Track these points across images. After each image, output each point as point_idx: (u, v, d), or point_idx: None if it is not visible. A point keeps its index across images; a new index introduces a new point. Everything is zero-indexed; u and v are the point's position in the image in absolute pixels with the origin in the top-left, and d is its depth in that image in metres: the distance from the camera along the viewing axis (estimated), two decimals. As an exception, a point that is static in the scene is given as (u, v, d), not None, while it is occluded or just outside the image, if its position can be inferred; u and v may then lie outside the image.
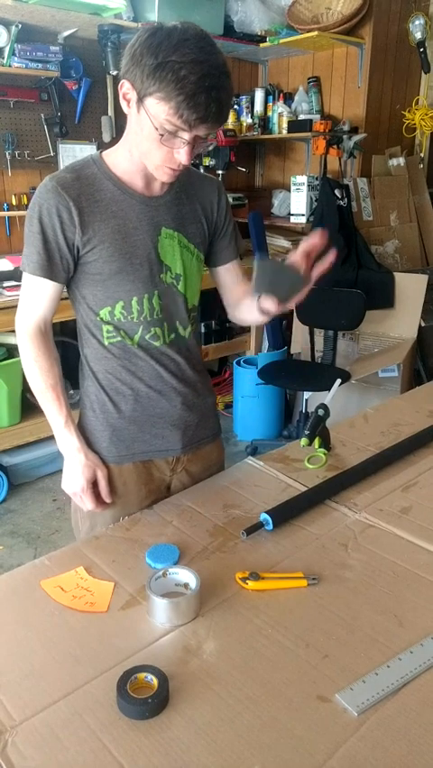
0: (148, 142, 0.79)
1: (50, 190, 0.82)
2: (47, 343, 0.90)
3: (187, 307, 0.94)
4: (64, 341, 2.38)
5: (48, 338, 0.90)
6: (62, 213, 0.82)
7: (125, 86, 0.77)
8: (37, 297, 0.88)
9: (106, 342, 0.91)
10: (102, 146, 2.50)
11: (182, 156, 0.78)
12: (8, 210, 2.33)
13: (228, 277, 1.01)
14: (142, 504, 0.96)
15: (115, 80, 2.43)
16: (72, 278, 0.89)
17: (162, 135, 0.77)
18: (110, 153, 0.88)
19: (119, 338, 0.90)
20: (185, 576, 0.72)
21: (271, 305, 0.81)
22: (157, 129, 0.76)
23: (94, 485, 0.92)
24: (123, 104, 0.80)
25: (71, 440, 0.90)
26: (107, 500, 0.92)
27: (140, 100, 0.76)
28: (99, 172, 0.86)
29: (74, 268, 0.87)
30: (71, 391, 2.33)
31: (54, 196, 0.82)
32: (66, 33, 2.23)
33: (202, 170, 2.48)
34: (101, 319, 0.89)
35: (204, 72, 0.71)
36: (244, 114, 2.86)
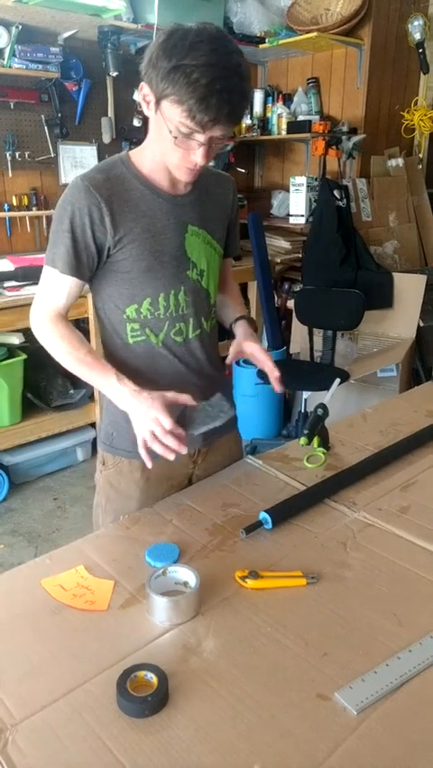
0: (166, 143, 0.80)
1: (81, 190, 0.83)
2: (68, 323, 0.88)
3: (209, 302, 0.97)
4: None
5: (67, 321, 0.89)
6: (93, 213, 0.83)
7: (144, 89, 0.79)
8: (58, 292, 0.87)
9: (131, 341, 0.92)
10: (102, 147, 2.51)
11: (198, 157, 0.80)
12: (9, 211, 2.33)
13: (224, 269, 1.04)
14: (164, 496, 0.97)
15: (115, 81, 2.44)
16: (97, 277, 0.90)
17: (176, 137, 0.78)
18: (136, 153, 0.89)
19: (144, 337, 0.91)
20: (184, 575, 0.72)
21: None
22: (171, 131, 0.78)
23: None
24: (143, 105, 0.81)
25: (130, 388, 0.83)
26: (190, 401, 0.84)
27: (157, 102, 0.78)
28: (127, 172, 0.87)
29: (99, 266, 0.88)
30: (72, 391, 2.34)
31: (86, 195, 0.83)
32: (66, 34, 2.23)
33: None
34: (127, 317, 0.90)
35: (215, 75, 0.72)
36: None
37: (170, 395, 0.84)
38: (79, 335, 0.89)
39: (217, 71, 0.72)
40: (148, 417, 0.81)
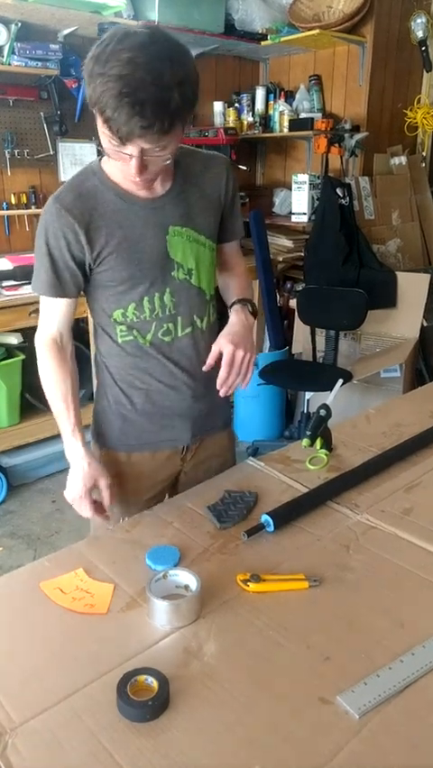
0: (108, 150, 0.78)
1: (54, 214, 0.84)
2: (62, 355, 0.91)
3: (205, 299, 0.95)
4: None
5: (63, 350, 0.92)
6: (68, 235, 0.84)
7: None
8: (52, 315, 0.90)
9: (120, 341, 0.92)
10: (102, 146, 2.50)
11: (131, 170, 0.77)
12: (7, 209, 2.32)
13: (228, 251, 1.01)
14: (150, 493, 0.98)
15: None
16: (86, 285, 0.91)
17: (108, 149, 0.76)
18: (107, 160, 0.87)
19: (132, 337, 0.92)
20: (185, 578, 0.72)
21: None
22: (103, 144, 0.76)
23: (97, 503, 0.92)
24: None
25: (77, 447, 0.91)
26: (106, 509, 0.92)
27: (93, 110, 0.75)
28: (100, 183, 0.86)
29: (86, 281, 0.89)
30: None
31: (58, 219, 0.83)
32: (66, 32, 2.22)
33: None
34: (114, 320, 0.91)
35: (126, 86, 0.68)
36: (245, 112, 2.85)
37: (105, 493, 0.90)
38: (66, 370, 0.91)
39: (128, 81, 0.68)
40: (75, 485, 0.89)
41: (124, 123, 0.71)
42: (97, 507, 0.91)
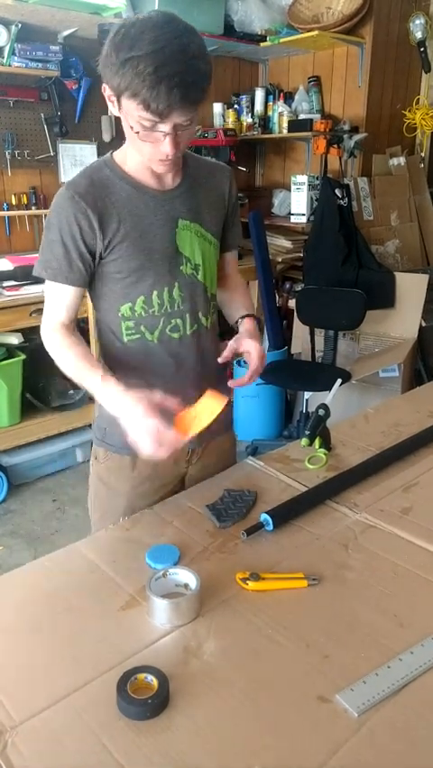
0: (134, 139, 0.80)
1: (67, 199, 0.84)
2: (71, 333, 0.90)
3: (207, 296, 0.95)
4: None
5: (72, 330, 0.91)
6: (81, 221, 0.84)
7: (107, 90, 0.79)
8: (59, 302, 0.89)
9: (126, 340, 0.92)
10: (102, 146, 2.51)
11: (166, 147, 0.79)
12: (8, 210, 2.33)
13: (227, 262, 1.03)
14: (155, 496, 0.97)
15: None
16: (92, 278, 0.90)
17: (138, 132, 0.78)
18: (119, 153, 0.89)
19: (138, 335, 0.91)
20: (185, 576, 0.72)
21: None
22: (132, 127, 0.77)
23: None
24: (109, 105, 0.81)
25: (114, 390, 0.81)
26: (176, 404, 0.82)
27: (118, 100, 0.77)
28: (112, 174, 0.87)
29: (94, 270, 0.89)
30: (71, 391, 2.34)
31: (72, 204, 0.83)
32: (66, 33, 2.23)
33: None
34: (122, 315, 0.91)
35: (160, 62, 0.71)
36: (245, 113, 2.86)
37: (158, 397, 0.81)
38: (77, 341, 0.89)
39: (161, 57, 0.71)
40: (135, 418, 0.79)
41: (163, 98, 0.73)
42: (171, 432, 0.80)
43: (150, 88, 0.72)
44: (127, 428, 0.80)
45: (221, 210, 0.96)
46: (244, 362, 0.95)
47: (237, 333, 0.99)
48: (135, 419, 0.78)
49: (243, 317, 1.00)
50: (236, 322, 1.01)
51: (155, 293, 0.89)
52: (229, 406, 1.07)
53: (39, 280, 0.91)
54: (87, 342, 1.91)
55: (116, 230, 0.85)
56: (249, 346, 0.93)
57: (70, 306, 0.89)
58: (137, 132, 0.78)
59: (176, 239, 0.89)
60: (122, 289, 0.89)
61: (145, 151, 0.81)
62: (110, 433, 0.97)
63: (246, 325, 0.98)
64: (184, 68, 0.73)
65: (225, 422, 1.06)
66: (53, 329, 0.89)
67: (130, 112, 0.76)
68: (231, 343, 0.94)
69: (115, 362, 0.94)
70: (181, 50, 0.73)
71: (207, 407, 0.80)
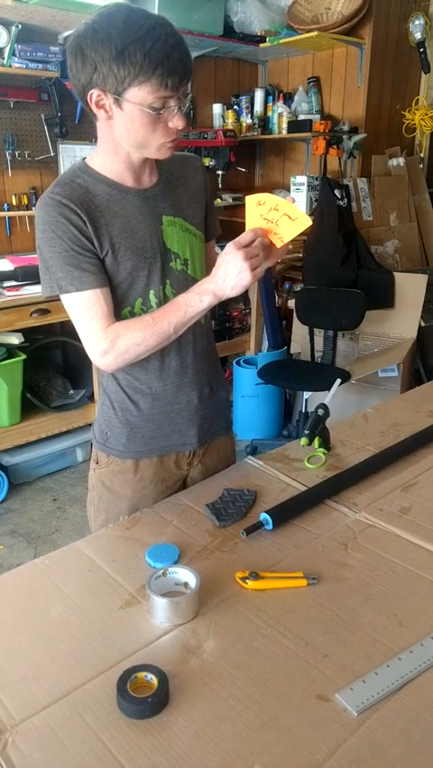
0: (143, 130, 0.79)
1: (55, 206, 0.80)
2: (123, 322, 0.83)
3: None
4: (65, 341, 2.38)
5: (116, 322, 0.84)
6: (73, 219, 0.81)
7: (95, 95, 0.76)
8: (92, 312, 0.82)
9: None
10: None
11: (178, 122, 0.79)
12: (8, 210, 2.33)
13: (209, 252, 1.01)
14: (157, 498, 0.97)
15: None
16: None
17: (158, 114, 0.77)
18: (93, 159, 0.86)
19: None
20: (185, 575, 0.72)
21: None
22: (151, 112, 0.76)
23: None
24: (98, 113, 0.79)
25: (206, 285, 0.80)
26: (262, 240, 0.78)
27: (119, 96, 0.76)
28: (90, 178, 0.85)
29: (104, 267, 0.84)
30: (71, 391, 2.34)
31: (59, 207, 0.80)
32: (66, 33, 2.23)
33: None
34: (123, 318, 0.89)
35: (161, 36, 0.72)
36: (244, 114, 2.86)
37: (248, 238, 0.77)
38: (136, 320, 0.83)
39: (160, 32, 0.72)
40: (234, 267, 0.77)
41: (178, 69, 0.74)
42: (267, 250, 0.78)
43: (161, 62, 0.72)
44: (233, 283, 0.77)
45: (201, 201, 0.94)
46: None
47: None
48: (234, 267, 0.76)
49: None
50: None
51: (151, 293, 0.88)
52: (230, 405, 1.07)
53: (39, 280, 0.88)
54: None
55: (105, 233, 0.83)
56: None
57: (105, 311, 0.82)
58: (159, 114, 0.76)
59: (162, 236, 0.88)
60: (120, 294, 0.87)
61: (154, 140, 0.80)
62: (112, 437, 0.96)
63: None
64: (176, 36, 0.75)
65: (225, 421, 1.06)
66: (103, 337, 0.82)
67: (143, 99, 0.75)
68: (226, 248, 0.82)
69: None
70: (165, 25, 0.74)
71: (283, 208, 0.77)
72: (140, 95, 0.75)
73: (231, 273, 0.77)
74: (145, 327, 0.82)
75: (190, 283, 0.91)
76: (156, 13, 2.19)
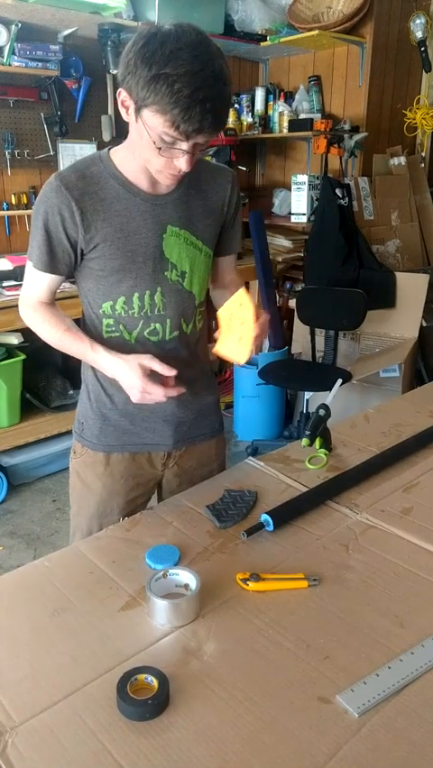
0: (148, 150, 0.79)
1: (54, 189, 0.84)
2: (51, 307, 0.92)
3: (194, 304, 0.95)
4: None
5: (52, 305, 0.93)
6: (64, 212, 0.84)
7: (123, 95, 0.78)
8: (38, 287, 0.91)
9: (105, 336, 0.92)
10: (102, 145, 2.50)
11: (182, 164, 0.79)
12: (8, 209, 2.33)
13: (225, 265, 1.03)
14: (127, 496, 0.97)
15: (116, 79, 2.43)
16: (77, 271, 0.91)
17: (160, 148, 0.77)
18: (117, 151, 0.88)
19: (118, 333, 0.91)
20: (185, 577, 0.72)
21: None
22: (155, 142, 0.76)
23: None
24: (122, 111, 0.80)
25: (104, 356, 0.87)
26: (170, 373, 0.84)
27: (137, 110, 0.76)
28: (105, 170, 0.86)
29: (78, 262, 0.89)
30: (71, 391, 2.34)
31: (57, 195, 0.83)
32: (66, 32, 2.22)
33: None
34: (102, 312, 0.91)
35: (198, 85, 0.71)
36: (245, 112, 2.86)
37: (156, 365, 0.84)
38: (60, 314, 0.92)
39: (200, 80, 0.71)
40: (132, 381, 0.84)
41: (196, 122, 0.72)
42: (163, 383, 0.85)
43: (184, 109, 0.71)
44: (125, 387, 0.86)
45: (218, 216, 0.94)
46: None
47: None
48: (126, 377, 0.85)
49: None
50: None
51: (136, 295, 0.89)
52: (219, 411, 1.06)
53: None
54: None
55: (99, 228, 0.85)
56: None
57: (49, 292, 0.91)
58: (159, 148, 0.77)
59: (162, 244, 0.88)
60: (104, 287, 0.89)
61: (157, 164, 0.80)
62: (87, 427, 0.97)
63: None
64: (218, 94, 0.73)
65: (211, 427, 1.03)
66: (32, 306, 0.91)
67: (153, 126, 0.75)
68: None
69: None
70: (216, 75, 0.72)
71: (245, 310, 0.80)
72: (152, 120, 0.75)
73: (124, 380, 0.86)
74: (53, 328, 0.90)
75: (184, 295, 0.92)
76: (156, 12, 2.20)
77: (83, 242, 0.85)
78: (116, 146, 0.89)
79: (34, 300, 0.92)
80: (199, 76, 0.71)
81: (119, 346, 0.91)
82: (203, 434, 1.02)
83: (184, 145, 0.76)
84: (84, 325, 0.95)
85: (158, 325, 0.91)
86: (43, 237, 0.85)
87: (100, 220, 0.84)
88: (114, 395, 0.94)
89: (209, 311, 1.00)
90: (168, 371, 0.84)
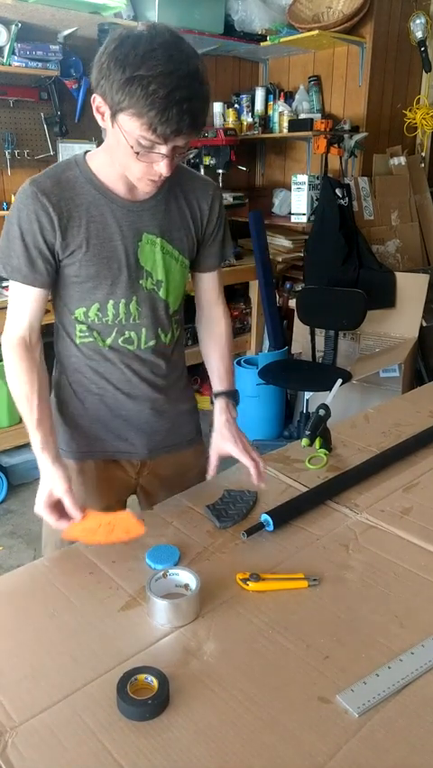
0: (126, 157, 0.77)
1: (29, 196, 0.81)
2: (30, 355, 0.86)
3: (168, 313, 0.92)
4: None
5: (32, 349, 0.86)
6: (42, 218, 0.81)
7: (97, 101, 0.76)
8: (22, 306, 0.86)
9: (78, 342, 0.90)
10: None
11: (162, 168, 0.76)
12: (7, 209, 2.32)
13: (206, 284, 1.00)
14: (101, 503, 0.94)
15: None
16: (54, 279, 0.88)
17: (138, 152, 0.75)
18: (94, 156, 0.85)
19: (91, 339, 0.90)
20: (185, 577, 0.72)
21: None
22: (132, 146, 0.74)
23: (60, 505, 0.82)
24: (97, 117, 0.78)
25: (47, 459, 0.81)
26: (74, 516, 0.79)
27: (113, 115, 0.74)
28: (81, 175, 0.84)
29: (57, 270, 0.86)
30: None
31: (33, 201, 0.81)
32: (66, 32, 2.22)
33: (203, 170, 2.48)
34: (75, 318, 0.89)
35: (174, 85, 0.68)
36: (245, 113, 2.86)
37: (61, 491, 0.79)
38: (34, 370, 0.85)
39: (176, 80, 0.68)
40: (48, 486, 0.80)
41: (173, 123, 0.70)
42: (63, 513, 0.80)
43: (160, 111, 0.69)
44: (40, 487, 0.81)
45: (195, 228, 0.91)
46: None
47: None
48: (44, 490, 0.80)
49: (217, 395, 0.97)
50: (214, 396, 0.97)
51: (111, 302, 0.87)
52: (196, 419, 1.02)
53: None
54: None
55: (76, 233, 0.83)
56: (227, 449, 0.92)
57: (34, 311, 0.85)
58: (137, 153, 0.74)
59: (138, 252, 0.86)
60: (78, 293, 0.87)
61: (136, 170, 0.78)
62: (61, 434, 0.94)
63: (221, 415, 0.94)
64: (195, 93, 0.70)
65: (187, 436, 1.01)
66: (11, 345, 0.85)
67: (130, 131, 0.73)
68: (211, 456, 0.93)
69: (69, 361, 0.92)
70: (192, 74, 0.70)
71: (123, 525, 0.76)
72: (129, 125, 0.72)
73: (40, 488, 0.79)
74: (21, 393, 0.84)
75: (160, 304, 0.90)
76: (156, 12, 2.20)
77: (60, 248, 0.83)
78: (92, 150, 0.87)
79: (16, 334, 0.85)
80: (175, 76, 0.68)
81: (93, 352, 0.89)
82: (179, 443, 1.00)
83: (163, 149, 0.74)
84: (56, 331, 0.92)
85: (133, 334, 0.89)
86: (21, 248, 0.81)
87: (76, 226, 0.82)
88: (85, 399, 0.92)
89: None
90: (73, 513, 0.78)
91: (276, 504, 0.88)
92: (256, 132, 2.86)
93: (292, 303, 2.48)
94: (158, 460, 0.99)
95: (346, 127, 2.62)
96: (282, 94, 2.87)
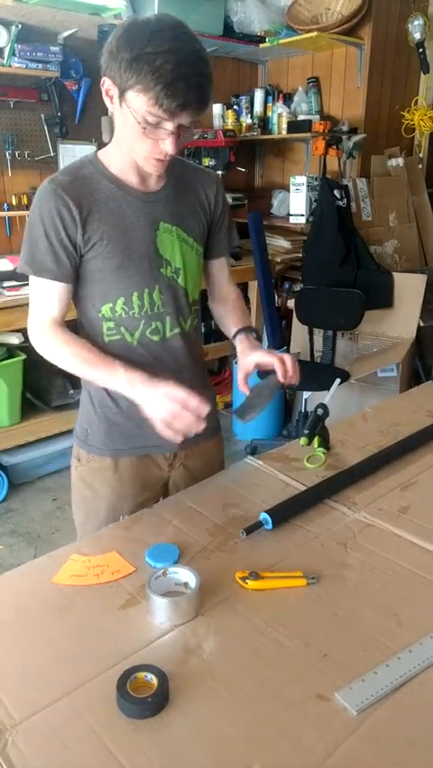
0: (133, 135, 0.79)
1: (49, 192, 0.84)
2: (66, 329, 0.88)
3: (188, 301, 0.95)
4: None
5: (65, 326, 0.88)
6: (63, 213, 0.84)
7: (107, 83, 0.79)
8: (49, 299, 0.87)
9: (106, 340, 0.91)
10: (102, 146, 2.50)
11: (168, 146, 0.79)
12: (8, 210, 2.33)
13: (216, 269, 1.04)
14: (137, 499, 0.97)
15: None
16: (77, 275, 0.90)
17: (145, 128, 0.77)
18: (105, 152, 0.89)
19: (119, 336, 0.91)
20: (185, 575, 0.72)
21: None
22: (140, 122, 0.77)
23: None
24: (106, 101, 0.81)
25: (138, 378, 0.82)
26: (203, 411, 0.79)
27: (121, 95, 0.77)
28: (96, 171, 0.87)
29: (79, 265, 0.88)
30: (71, 391, 2.34)
31: (54, 197, 0.83)
32: (66, 33, 2.23)
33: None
34: (102, 316, 0.90)
35: (180, 60, 0.72)
36: (244, 114, 2.86)
37: (182, 395, 0.79)
38: (78, 338, 0.89)
39: (182, 56, 0.72)
40: (163, 398, 0.80)
41: (180, 97, 0.73)
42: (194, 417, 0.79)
43: (167, 85, 0.72)
44: (154, 413, 0.81)
45: (205, 214, 0.95)
46: (240, 360, 0.94)
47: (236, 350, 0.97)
48: (164, 399, 0.80)
49: (236, 334, 0.99)
50: (232, 339, 1.00)
51: (135, 294, 0.89)
52: (216, 411, 1.06)
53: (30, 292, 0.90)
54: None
55: (96, 227, 0.85)
56: (255, 358, 0.92)
57: (61, 307, 0.87)
58: (144, 129, 0.77)
59: (156, 241, 0.88)
60: (102, 288, 0.88)
61: (143, 149, 0.80)
62: (91, 433, 0.96)
63: (242, 343, 0.97)
64: (201, 71, 0.74)
65: (212, 425, 1.02)
66: (45, 327, 0.87)
67: (137, 107, 0.76)
68: (239, 372, 0.94)
69: None
70: (197, 53, 0.74)
71: (113, 566, 0.75)
72: (136, 102, 0.76)
73: (156, 412, 0.80)
74: (74, 356, 0.85)
75: (180, 291, 0.93)
76: (156, 12, 2.20)
77: (82, 243, 0.85)
78: (103, 149, 0.89)
79: (47, 320, 0.87)
80: (181, 52, 0.72)
81: (122, 350, 0.91)
82: (205, 433, 1.00)
83: (168, 125, 0.77)
84: (82, 334, 0.94)
85: (158, 324, 0.92)
86: (46, 244, 0.84)
87: (96, 219, 0.85)
88: (118, 398, 0.93)
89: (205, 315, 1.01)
90: (200, 408, 0.78)
91: (275, 502, 0.88)
92: (255, 133, 2.86)
93: (291, 303, 2.49)
94: (187, 451, 1.00)
95: (345, 128, 2.63)
96: (281, 95, 2.87)
